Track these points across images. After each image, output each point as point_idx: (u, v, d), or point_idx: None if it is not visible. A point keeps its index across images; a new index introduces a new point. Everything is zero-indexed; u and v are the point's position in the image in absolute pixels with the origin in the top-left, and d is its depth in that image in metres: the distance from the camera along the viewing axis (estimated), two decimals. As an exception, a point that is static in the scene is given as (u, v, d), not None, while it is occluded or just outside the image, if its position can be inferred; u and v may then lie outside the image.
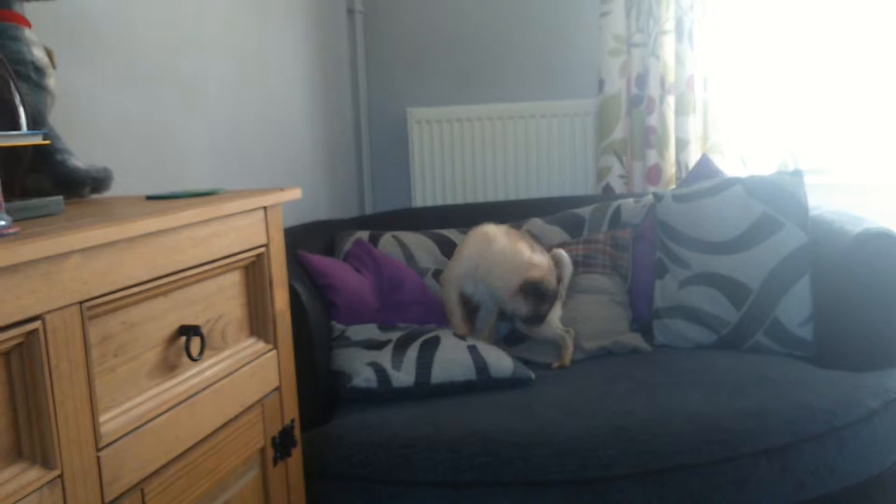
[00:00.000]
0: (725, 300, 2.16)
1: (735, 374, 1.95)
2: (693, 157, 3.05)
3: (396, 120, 3.46)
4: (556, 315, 2.26)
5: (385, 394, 1.92)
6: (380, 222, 2.78)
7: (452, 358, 1.98)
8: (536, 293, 2.16)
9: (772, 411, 1.74)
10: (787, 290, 2.10)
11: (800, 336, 2.09)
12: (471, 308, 2.28)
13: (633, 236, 2.47)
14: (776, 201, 2.17)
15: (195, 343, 1.16)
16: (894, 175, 3.50)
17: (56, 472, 0.89)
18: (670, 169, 3.12)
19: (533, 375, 2.03)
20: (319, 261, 2.20)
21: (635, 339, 2.23)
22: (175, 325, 1.14)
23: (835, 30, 3.52)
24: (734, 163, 3.12)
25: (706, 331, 2.19)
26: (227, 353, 1.27)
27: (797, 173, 2.22)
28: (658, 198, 2.37)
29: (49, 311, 0.88)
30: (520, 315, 2.20)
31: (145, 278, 1.05)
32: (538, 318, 2.17)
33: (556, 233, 2.57)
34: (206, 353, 1.21)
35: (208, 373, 1.21)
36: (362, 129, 3.43)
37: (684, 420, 1.72)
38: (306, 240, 2.37)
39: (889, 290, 1.95)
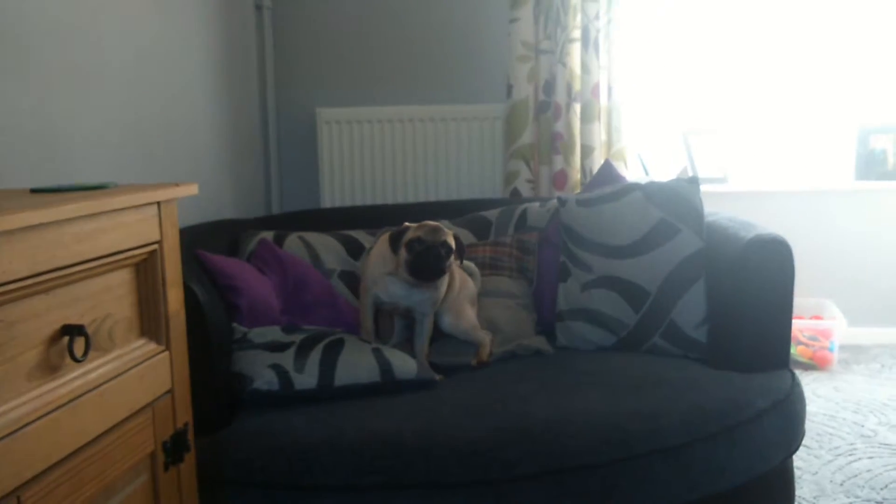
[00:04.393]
0: (625, 303, 2.21)
1: (633, 375, 1.99)
2: (597, 164, 3.11)
3: (305, 119, 3.41)
4: (472, 315, 2.27)
5: (287, 396, 1.88)
6: (286, 222, 2.73)
7: (356, 360, 1.96)
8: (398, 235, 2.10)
9: (667, 412, 1.78)
10: (682, 293, 2.16)
11: (694, 338, 2.15)
12: (387, 314, 2.26)
13: (538, 240, 2.50)
14: (673, 207, 2.23)
15: (79, 343, 1.11)
16: (784, 184, 3.66)
17: (-82, 480, 0.84)
18: (576, 174, 3.18)
19: (437, 377, 2.03)
20: (221, 261, 2.15)
21: (539, 342, 2.25)
22: (58, 325, 1.09)
23: (731, 45, 3.65)
24: (635, 169, 3.20)
25: (606, 333, 2.23)
26: (114, 354, 1.22)
27: (694, 180, 2.29)
28: (562, 202, 2.41)
29: (-88, 308, 0.83)
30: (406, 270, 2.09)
31: (24, 274, 1.00)
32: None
33: (463, 235, 2.57)
34: (92, 354, 1.16)
35: (93, 375, 1.16)
36: (270, 127, 3.37)
37: (583, 421, 1.75)
38: (208, 239, 2.31)
39: (778, 294, 2.02)
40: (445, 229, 2.11)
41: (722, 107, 3.67)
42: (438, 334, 2.25)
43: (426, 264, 2.07)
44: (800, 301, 2.56)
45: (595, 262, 2.28)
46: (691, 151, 3.48)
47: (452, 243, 2.10)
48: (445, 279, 2.17)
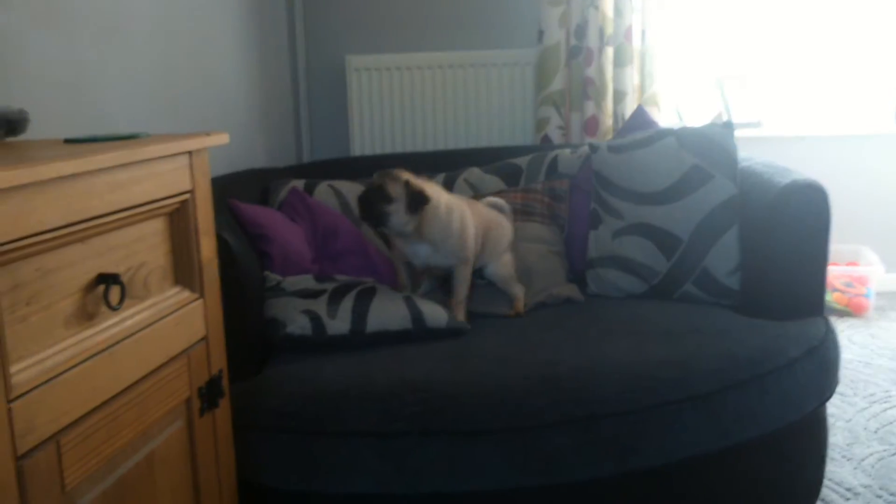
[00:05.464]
0: (656, 250, 2.19)
1: (664, 323, 1.98)
2: (630, 109, 3.06)
3: (335, 67, 3.39)
4: (511, 263, 2.25)
5: (320, 341, 1.90)
6: (316, 171, 2.73)
7: (388, 307, 1.97)
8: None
9: (697, 359, 1.78)
10: (715, 240, 2.13)
11: (727, 286, 2.13)
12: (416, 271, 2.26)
13: (569, 187, 2.48)
14: (707, 153, 2.19)
15: (114, 292, 1.12)
16: (820, 128, 3.57)
17: (-37, 424, 0.86)
18: (608, 120, 3.13)
19: (468, 326, 2.04)
20: (252, 210, 2.16)
21: (570, 290, 2.25)
22: (93, 273, 1.11)
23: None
24: (669, 114, 3.15)
25: (638, 280, 2.22)
26: (149, 302, 1.24)
27: (728, 125, 2.24)
28: (594, 149, 2.38)
29: (-49, 258, 0.85)
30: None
31: (59, 224, 1.02)
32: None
33: (494, 182, 2.56)
34: (127, 302, 1.18)
35: (129, 322, 1.18)
36: (300, 75, 3.36)
37: (612, 368, 1.75)
38: (239, 188, 2.32)
39: (813, 241, 1.99)
40: (399, 176, 2.04)
41: (757, 50, 3.58)
42: (473, 283, 2.25)
43: (360, 208, 2.08)
44: (836, 247, 2.53)
45: (626, 209, 2.25)
46: (726, 96, 3.41)
47: (397, 192, 2.03)
48: (449, 231, 2.09)
